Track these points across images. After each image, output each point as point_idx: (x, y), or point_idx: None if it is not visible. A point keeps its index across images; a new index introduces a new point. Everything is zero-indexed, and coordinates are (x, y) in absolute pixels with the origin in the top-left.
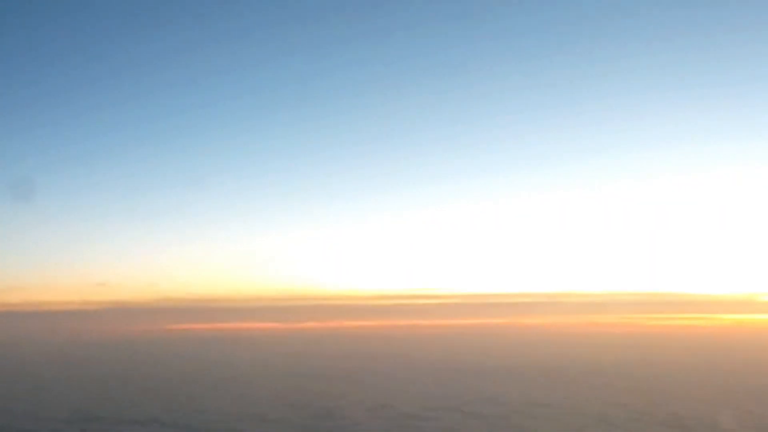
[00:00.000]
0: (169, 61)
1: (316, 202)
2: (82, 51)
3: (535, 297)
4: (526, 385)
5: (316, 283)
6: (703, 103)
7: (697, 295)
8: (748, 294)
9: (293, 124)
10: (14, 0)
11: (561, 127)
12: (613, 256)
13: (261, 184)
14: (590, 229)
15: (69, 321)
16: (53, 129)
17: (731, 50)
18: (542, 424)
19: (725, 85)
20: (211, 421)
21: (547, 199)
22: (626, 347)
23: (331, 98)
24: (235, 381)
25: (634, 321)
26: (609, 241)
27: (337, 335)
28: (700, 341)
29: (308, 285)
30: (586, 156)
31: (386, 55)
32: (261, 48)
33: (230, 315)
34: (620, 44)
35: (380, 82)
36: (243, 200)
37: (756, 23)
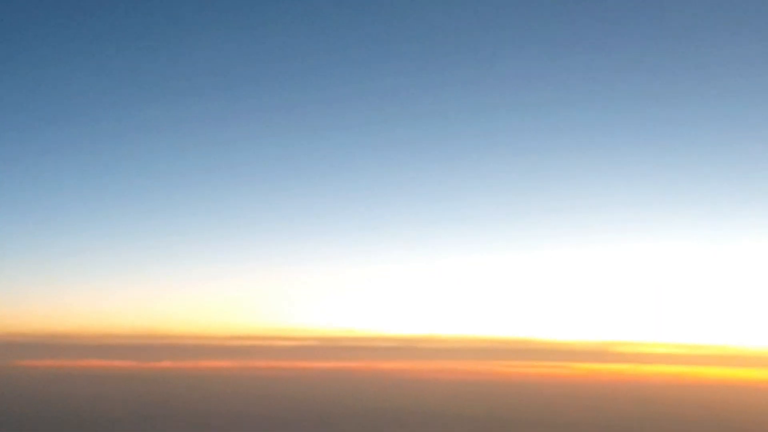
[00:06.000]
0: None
1: (163, 243)
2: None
3: (394, 341)
4: (376, 430)
5: (171, 321)
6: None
7: (554, 342)
8: (601, 342)
9: None
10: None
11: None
12: (473, 301)
13: (110, 222)
14: (445, 273)
15: None
16: None
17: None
18: None
19: None
20: None
21: (403, 247)
22: (480, 394)
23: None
24: (75, 422)
25: (489, 367)
26: (467, 287)
27: (191, 376)
28: (555, 390)
29: (163, 323)
30: (436, 210)
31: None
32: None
33: (81, 352)
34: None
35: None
36: (93, 236)
37: None
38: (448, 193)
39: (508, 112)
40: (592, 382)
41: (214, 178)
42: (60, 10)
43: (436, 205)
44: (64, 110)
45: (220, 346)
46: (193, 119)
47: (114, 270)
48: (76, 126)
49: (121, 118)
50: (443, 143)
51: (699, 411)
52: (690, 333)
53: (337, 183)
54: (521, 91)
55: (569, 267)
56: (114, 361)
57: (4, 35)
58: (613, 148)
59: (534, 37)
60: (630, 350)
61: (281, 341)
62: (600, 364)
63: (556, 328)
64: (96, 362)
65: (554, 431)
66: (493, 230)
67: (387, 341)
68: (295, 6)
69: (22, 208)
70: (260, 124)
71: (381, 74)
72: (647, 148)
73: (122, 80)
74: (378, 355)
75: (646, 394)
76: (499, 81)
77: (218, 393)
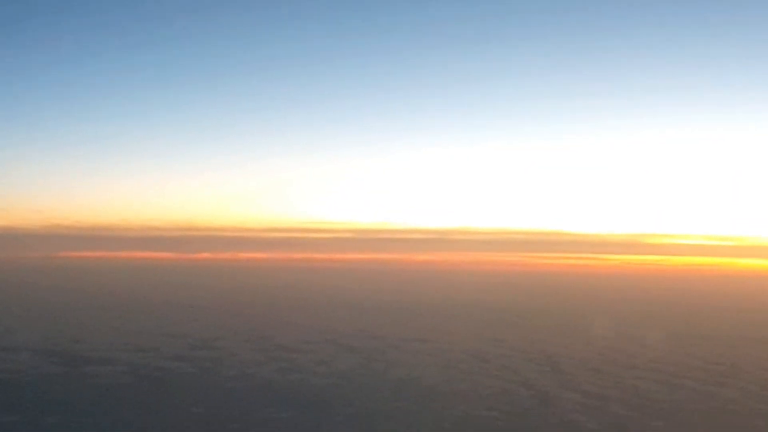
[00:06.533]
0: None
1: (209, 136)
2: None
3: (428, 233)
4: (407, 320)
5: (210, 213)
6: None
7: (584, 234)
8: (634, 234)
9: None
10: None
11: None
12: (506, 194)
13: (152, 119)
14: (483, 168)
15: None
16: None
17: None
18: (414, 358)
19: None
20: (88, 350)
21: (438, 140)
22: (511, 285)
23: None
24: (117, 310)
25: (523, 259)
26: (501, 179)
27: (229, 267)
28: (585, 280)
29: (202, 215)
30: (473, 102)
31: None
32: None
33: (122, 243)
34: None
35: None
36: (135, 129)
37: None
38: (479, 85)
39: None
40: (624, 273)
41: (251, 75)
42: None
43: (468, 99)
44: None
45: (257, 238)
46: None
47: (155, 164)
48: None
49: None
50: (471, 28)
51: (729, 300)
52: (721, 224)
53: (377, 80)
54: None
55: (601, 160)
56: (155, 252)
57: None
58: (643, 31)
59: None
60: (661, 242)
61: (317, 233)
62: (631, 255)
63: (588, 220)
64: (137, 253)
65: (586, 320)
66: (526, 123)
67: (420, 233)
68: None
69: (67, 102)
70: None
71: None
72: (682, 32)
73: None
74: (411, 246)
75: (676, 285)
76: None
77: (256, 283)
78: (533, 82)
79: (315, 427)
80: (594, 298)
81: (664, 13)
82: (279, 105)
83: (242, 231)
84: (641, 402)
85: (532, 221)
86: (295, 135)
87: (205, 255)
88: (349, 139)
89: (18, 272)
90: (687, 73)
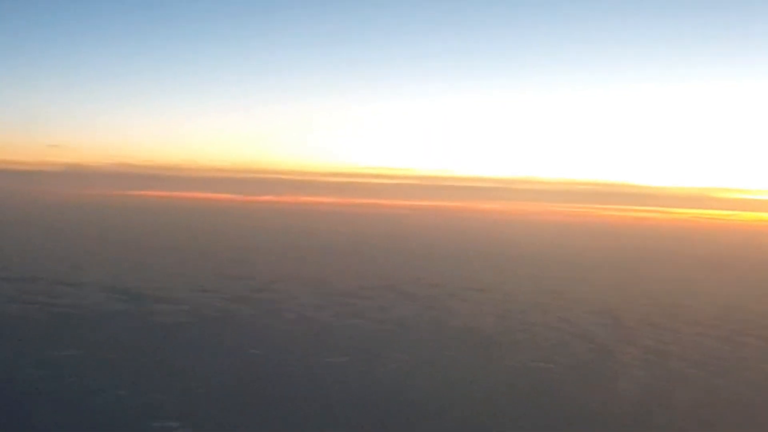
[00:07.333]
0: None
1: (276, 78)
2: None
3: (492, 182)
4: (467, 269)
5: (277, 157)
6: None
7: (651, 187)
8: (702, 188)
9: None
10: None
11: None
12: (571, 145)
13: (221, 60)
14: (548, 118)
15: (22, 182)
16: None
17: None
18: (472, 308)
19: None
20: (151, 288)
21: (505, 87)
22: (575, 236)
23: None
24: (182, 250)
25: (587, 210)
26: (567, 130)
27: (291, 211)
28: (651, 234)
29: (268, 158)
30: (544, 49)
31: None
32: None
33: (188, 184)
34: None
35: None
36: (205, 72)
37: None
38: (552, 29)
39: None
40: (691, 227)
41: (321, 19)
42: None
43: (539, 44)
44: None
45: (320, 182)
46: None
47: (223, 105)
48: None
49: None
50: None
51: None
52: None
53: (443, 25)
54: None
55: (672, 111)
56: (219, 193)
57: None
58: None
59: None
60: (730, 196)
61: (379, 179)
62: (699, 209)
63: (656, 173)
64: (202, 194)
65: (650, 274)
66: (596, 72)
67: (484, 182)
68: None
69: (141, 46)
70: None
71: None
72: None
73: None
74: (475, 195)
75: (744, 240)
76: None
77: (317, 228)
78: (608, 27)
79: (369, 373)
80: (659, 252)
81: None
82: (350, 52)
83: (306, 175)
84: (702, 359)
85: (598, 172)
86: (362, 81)
87: (269, 198)
88: (414, 85)
89: (86, 209)
90: (759, 23)
